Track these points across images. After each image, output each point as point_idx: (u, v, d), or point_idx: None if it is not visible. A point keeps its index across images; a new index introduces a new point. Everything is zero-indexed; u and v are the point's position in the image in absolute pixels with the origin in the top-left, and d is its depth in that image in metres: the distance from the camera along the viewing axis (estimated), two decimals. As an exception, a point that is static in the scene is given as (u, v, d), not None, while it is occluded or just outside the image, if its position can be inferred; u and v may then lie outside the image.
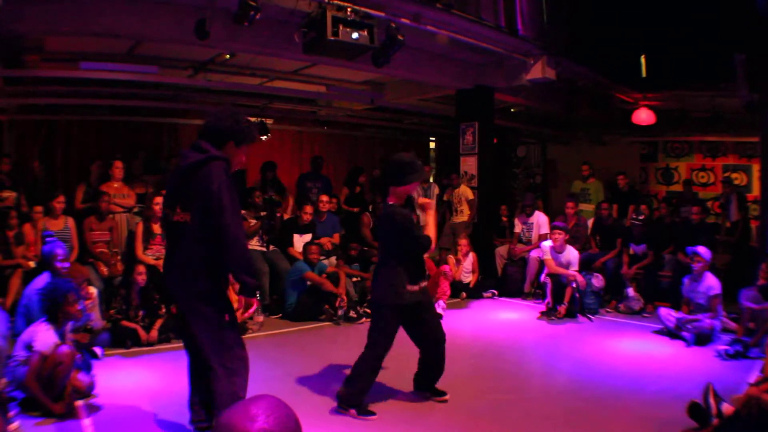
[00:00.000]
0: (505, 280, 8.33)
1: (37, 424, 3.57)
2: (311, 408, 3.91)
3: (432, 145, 13.65)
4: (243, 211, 6.62)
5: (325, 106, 10.51)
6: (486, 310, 7.38)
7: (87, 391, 3.95)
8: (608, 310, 7.19)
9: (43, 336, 3.76)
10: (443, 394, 4.16)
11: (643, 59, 9.34)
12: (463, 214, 8.58)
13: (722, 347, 5.20)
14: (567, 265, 6.85)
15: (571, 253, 6.92)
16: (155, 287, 5.55)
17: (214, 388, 3.13)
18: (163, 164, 8.55)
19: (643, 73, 9.39)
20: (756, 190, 9.49)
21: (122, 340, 5.28)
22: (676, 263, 7.22)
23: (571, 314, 6.72)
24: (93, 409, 3.84)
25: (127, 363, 4.93)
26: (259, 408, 1.01)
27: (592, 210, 8.89)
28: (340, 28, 5.18)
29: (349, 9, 5.23)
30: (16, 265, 5.72)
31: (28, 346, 3.74)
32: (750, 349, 5.09)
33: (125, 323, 5.34)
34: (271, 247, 7.41)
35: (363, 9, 5.35)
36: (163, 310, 5.56)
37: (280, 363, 5.00)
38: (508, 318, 7.03)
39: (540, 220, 8.33)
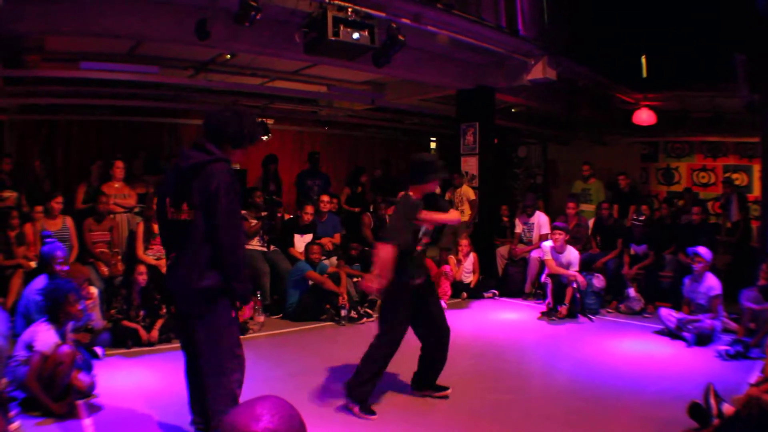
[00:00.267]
0: (505, 280, 8.32)
1: (37, 424, 3.57)
2: (312, 408, 3.92)
3: (433, 145, 13.66)
4: (244, 212, 6.63)
5: (326, 106, 10.52)
6: (487, 310, 7.38)
7: (88, 391, 3.94)
8: (609, 310, 7.19)
9: (44, 336, 3.76)
10: (445, 389, 4.17)
11: (643, 59, 9.35)
12: (464, 214, 8.57)
13: (723, 347, 5.20)
14: (567, 266, 6.85)
15: (572, 254, 6.92)
16: (156, 287, 5.55)
17: (210, 387, 3.13)
18: (163, 164, 8.54)
19: (644, 74, 9.40)
20: (757, 191, 9.49)
21: (123, 340, 5.28)
22: (677, 264, 7.21)
23: (571, 314, 6.71)
24: (93, 409, 3.84)
25: (128, 363, 4.93)
26: (263, 408, 1.02)
27: (592, 210, 8.89)
28: (341, 28, 5.18)
29: (349, 9, 5.23)
30: (17, 265, 5.73)
31: (29, 346, 3.74)
32: (750, 349, 5.09)
33: (126, 323, 5.34)
34: (272, 247, 7.41)
35: (364, 9, 5.35)
36: (164, 310, 5.56)
37: (281, 363, 5.01)
38: (508, 318, 7.03)
39: (541, 220, 8.32)
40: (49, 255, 4.90)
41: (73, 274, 4.85)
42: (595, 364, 5.04)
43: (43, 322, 3.86)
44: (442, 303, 6.92)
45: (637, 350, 5.53)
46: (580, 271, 6.91)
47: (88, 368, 4.13)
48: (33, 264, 5.70)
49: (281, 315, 6.75)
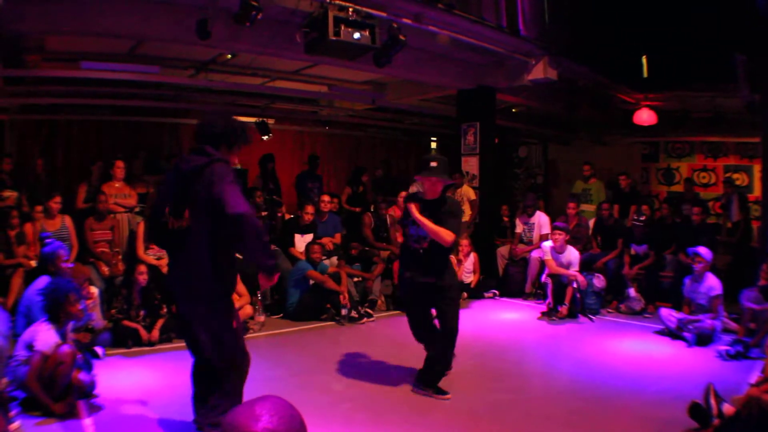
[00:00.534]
0: (506, 280, 8.33)
1: (37, 424, 3.57)
2: (312, 408, 3.91)
3: (433, 145, 13.64)
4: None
5: (327, 106, 10.51)
6: (487, 310, 7.38)
7: (88, 391, 3.94)
8: (609, 310, 7.19)
9: (45, 336, 3.76)
10: (445, 393, 4.16)
11: (644, 59, 9.33)
12: (465, 214, 8.57)
13: (723, 348, 5.20)
14: (568, 266, 6.85)
15: (572, 254, 6.92)
16: (157, 287, 5.55)
17: (215, 386, 3.14)
18: (163, 164, 8.54)
19: (644, 74, 9.38)
20: (757, 191, 9.48)
21: (123, 339, 5.28)
22: (678, 264, 7.21)
23: (572, 314, 6.71)
24: (94, 409, 3.84)
25: (129, 363, 4.93)
26: (263, 408, 1.02)
27: (593, 210, 8.89)
28: (342, 28, 5.18)
29: (350, 9, 5.23)
30: (18, 265, 5.73)
31: (29, 346, 3.74)
32: (751, 349, 5.09)
33: (126, 323, 5.34)
34: (273, 247, 7.40)
35: (364, 9, 5.35)
36: (165, 310, 5.56)
37: (281, 363, 5.00)
38: (509, 318, 7.03)
39: (541, 220, 8.32)
40: (53, 254, 4.92)
41: (73, 274, 4.86)
42: (596, 364, 5.04)
43: (44, 321, 3.86)
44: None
45: (637, 350, 5.53)
46: (581, 271, 6.91)
47: (88, 368, 4.12)
48: (33, 263, 5.70)
49: (282, 315, 6.76)
